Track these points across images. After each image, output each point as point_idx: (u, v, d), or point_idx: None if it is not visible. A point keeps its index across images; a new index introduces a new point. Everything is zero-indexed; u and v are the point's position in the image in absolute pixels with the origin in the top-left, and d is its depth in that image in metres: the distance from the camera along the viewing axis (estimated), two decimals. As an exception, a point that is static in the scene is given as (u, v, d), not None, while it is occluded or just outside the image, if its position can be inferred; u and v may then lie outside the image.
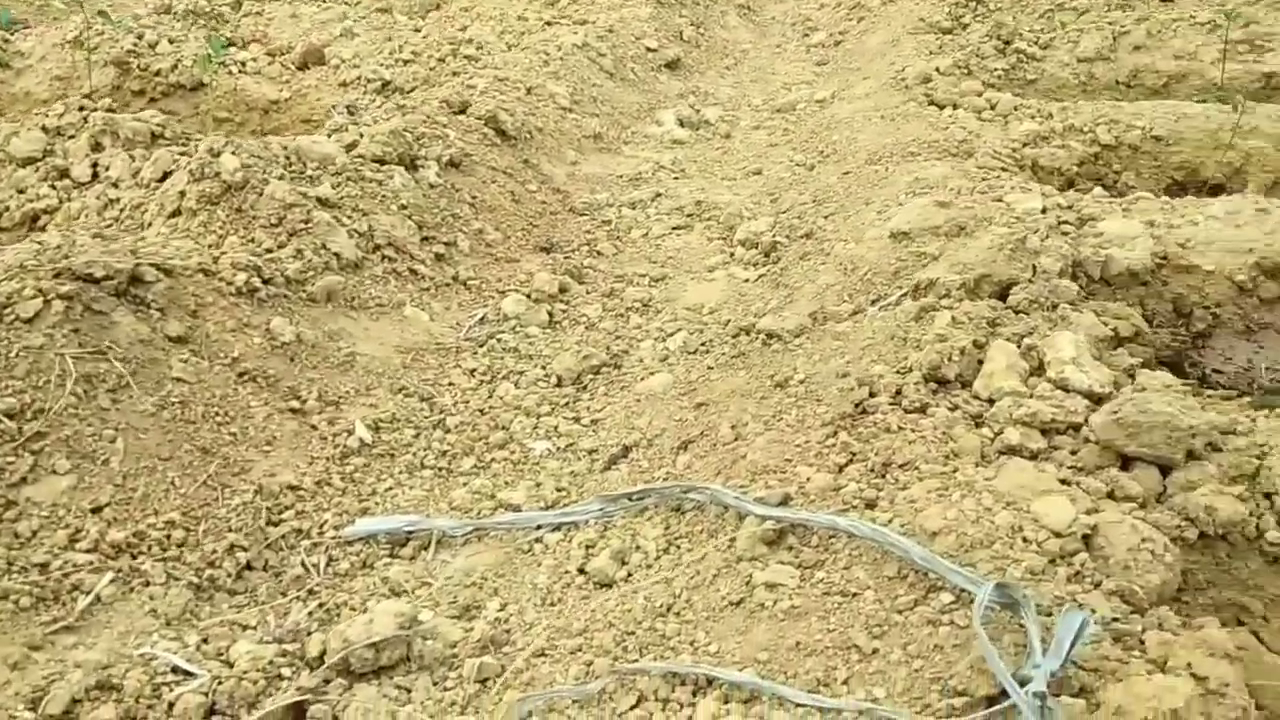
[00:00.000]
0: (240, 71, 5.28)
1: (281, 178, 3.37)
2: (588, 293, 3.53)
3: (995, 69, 4.73)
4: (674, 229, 4.00)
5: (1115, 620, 1.59)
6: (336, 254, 3.19)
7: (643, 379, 2.94)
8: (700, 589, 1.98)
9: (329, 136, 3.79)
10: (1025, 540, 1.75)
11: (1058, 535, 1.73)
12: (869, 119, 4.40)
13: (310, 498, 2.45)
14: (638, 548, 2.20)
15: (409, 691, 1.93)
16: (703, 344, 3.05)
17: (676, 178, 4.53)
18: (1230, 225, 2.88)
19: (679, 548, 2.15)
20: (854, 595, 1.79)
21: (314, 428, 2.65)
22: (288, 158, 3.49)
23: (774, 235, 3.64)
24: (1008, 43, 4.84)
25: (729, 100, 5.65)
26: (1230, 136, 3.64)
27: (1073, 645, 1.43)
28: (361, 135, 3.76)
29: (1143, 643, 1.53)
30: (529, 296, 3.42)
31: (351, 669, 1.95)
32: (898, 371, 2.35)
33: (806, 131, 4.76)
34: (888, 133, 4.10)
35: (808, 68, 6.06)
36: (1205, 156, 3.68)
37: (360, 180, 3.52)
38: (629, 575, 2.13)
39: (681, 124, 5.16)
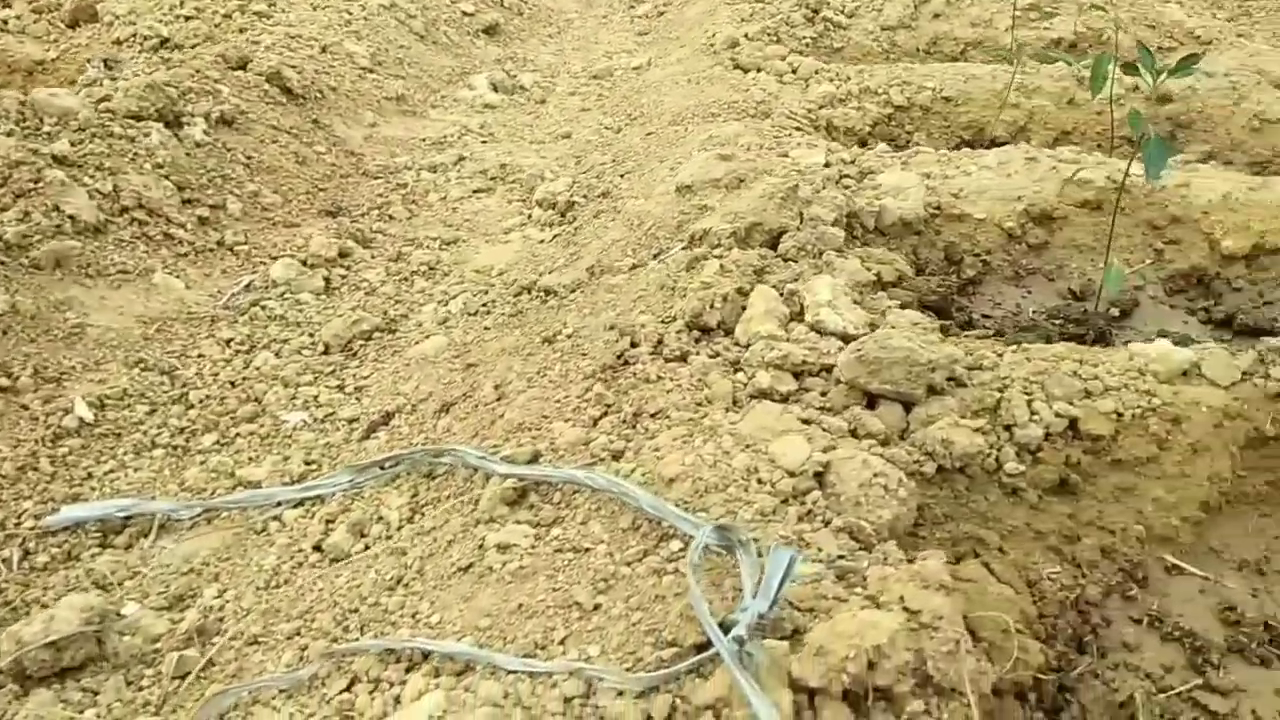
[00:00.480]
0: (2, 29, 4.77)
1: (10, 134, 3.01)
2: (372, 257, 3.31)
3: (804, 37, 4.74)
4: (474, 192, 3.82)
5: (841, 558, 1.52)
6: (72, 216, 2.86)
7: (416, 343, 2.76)
8: (434, 557, 1.82)
9: (79, 92, 3.43)
10: (760, 482, 1.67)
11: (791, 475, 1.66)
12: (676, 83, 4.32)
13: (10, 485, 2.16)
14: (380, 518, 2.02)
15: (96, 694, 1.70)
16: (484, 305, 2.88)
17: (484, 142, 4.34)
18: (1001, 175, 2.92)
19: (423, 515, 1.99)
20: (586, 551, 1.67)
21: (25, 407, 2.34)
22: (21, 112, 3.13)
23: (571, 195, 3.50)
24: (816, 11, 4.85)
25: (548, 67, 5.49)
26: (1011, 95, 3.72)
27: (781, 585, 1.34)
28: (116, 90, 3.41)
29: (865, 579, 1.46)
30: (303, 262, 3.16)
31: (27, 673, 1.70)
32: (662, 321, 2.24)
33: (619, 96, 4.66)
34: (692, 95, 4.03)
35: (630, 37, 5.96)
36: (991, 115, 3.75)
37: (108, 137, 3.18)
38: (366, 548, 1.95)
39: (495, 89, 4.96)
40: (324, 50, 4.45)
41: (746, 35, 4.60)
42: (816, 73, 4.10)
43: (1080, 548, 1.72)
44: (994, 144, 3.72)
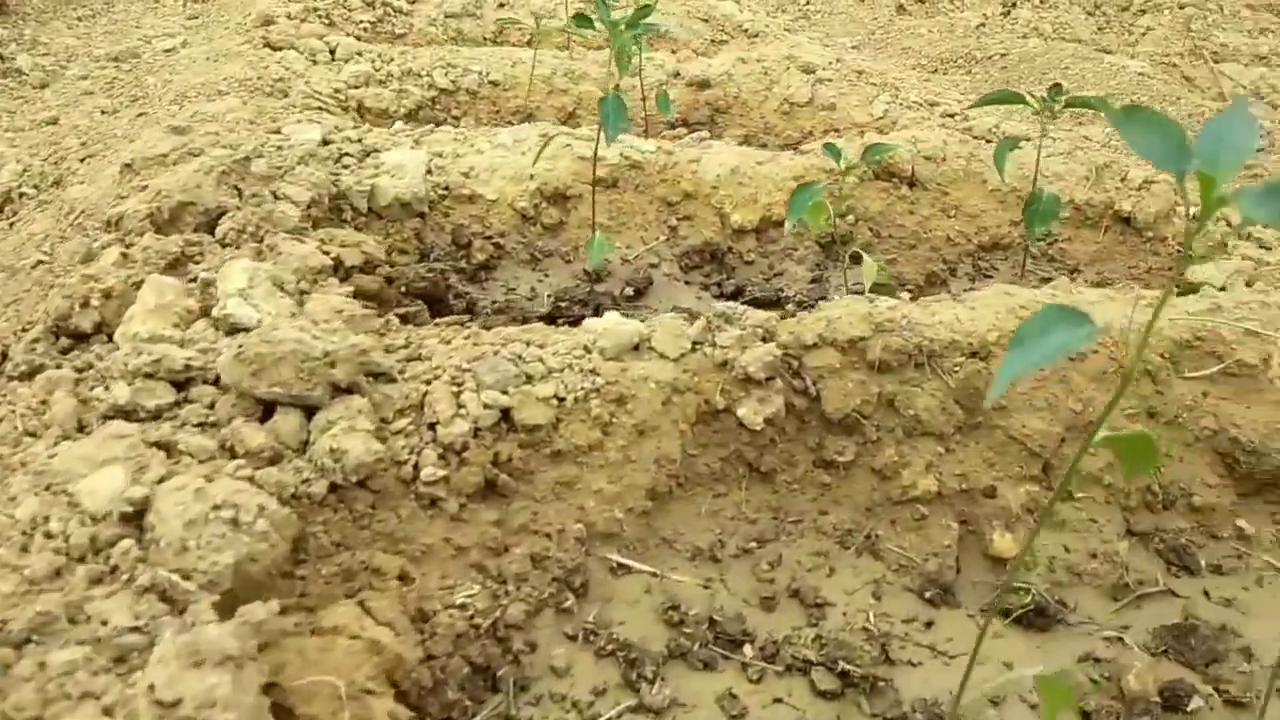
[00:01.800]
0: None
1: None
2: None
3: (362, 21, 4.32)
4: (-99, 190, 2.97)
5: (138, 629, 1.08)
6: None
7: None
8: None
9: None
10: (48, 536, 1.19)
11: (94, 521, 1.20)
12: (195, 62, 3.72)
13: None
14: None
15: None
16: None
17: (-56, 131, 3.46)
18: (516, 153, 2.67)
19: None
20: None
21: None
22: None
23: (21, 185, 2.80)
24: (376, -7, 4.45)
25: (64, 50, 4.61)
26: (560, 80, 3.55)
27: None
28: None
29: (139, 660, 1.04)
30: None
31: None
32: (22, 329, 1.70)
33: (132, 79, 3.95)
34: (204, 73, 3.46)
35: (180, 21, 5.21)
36: (540, 100, 3.55)
37: None
38: None
39: (-24, 72, 4.03)
40: None
41: (288, 14, 4.09)
42: (359, 54, 3.69)
43: (507, 560, 1.44)
44: (543, 129, 3.52)
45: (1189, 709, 1.57)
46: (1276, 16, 4.98)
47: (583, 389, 1.58)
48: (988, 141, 3.07)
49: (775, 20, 4.68)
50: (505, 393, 1.55)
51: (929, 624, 1.69)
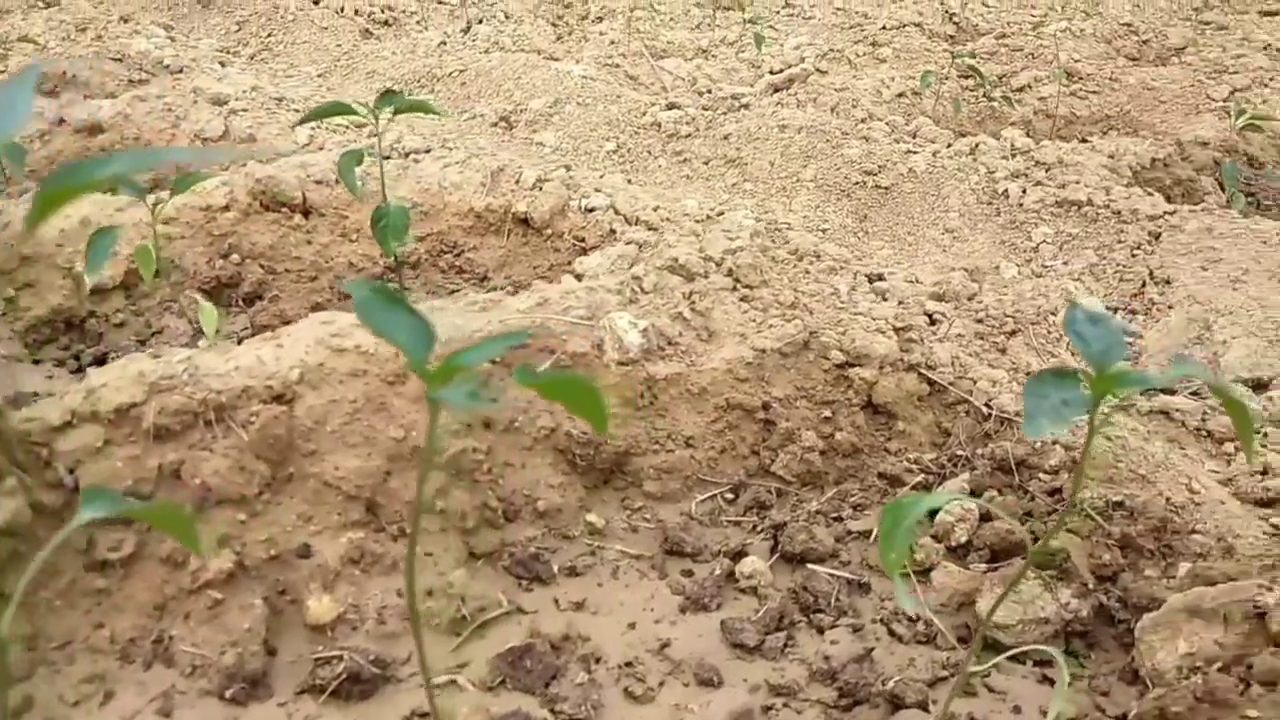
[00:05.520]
0: None
1: None
2: None
3: None
4: None
5: None
6: None
7: None
8: None
9: None
10: None
11: None
12: None
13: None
14: None
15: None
16: None
17: None
18: None
19: None
20: None
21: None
22: None
23: None
24: None
25: None
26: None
27: None
28: None
29: None
30: None
31: None
32: None
33: None
34: None
35: None
36: None
37: None
38: None
39: None
40: None
41: None
42: None
43: None
44: None
45: (511, 743, 1.43)
46: (723, 11, 5.44)
47: None
48: (387, 158, 2.91)
49: (198, 51, 4.27)
50: None
51: (226, 729, 1.42)
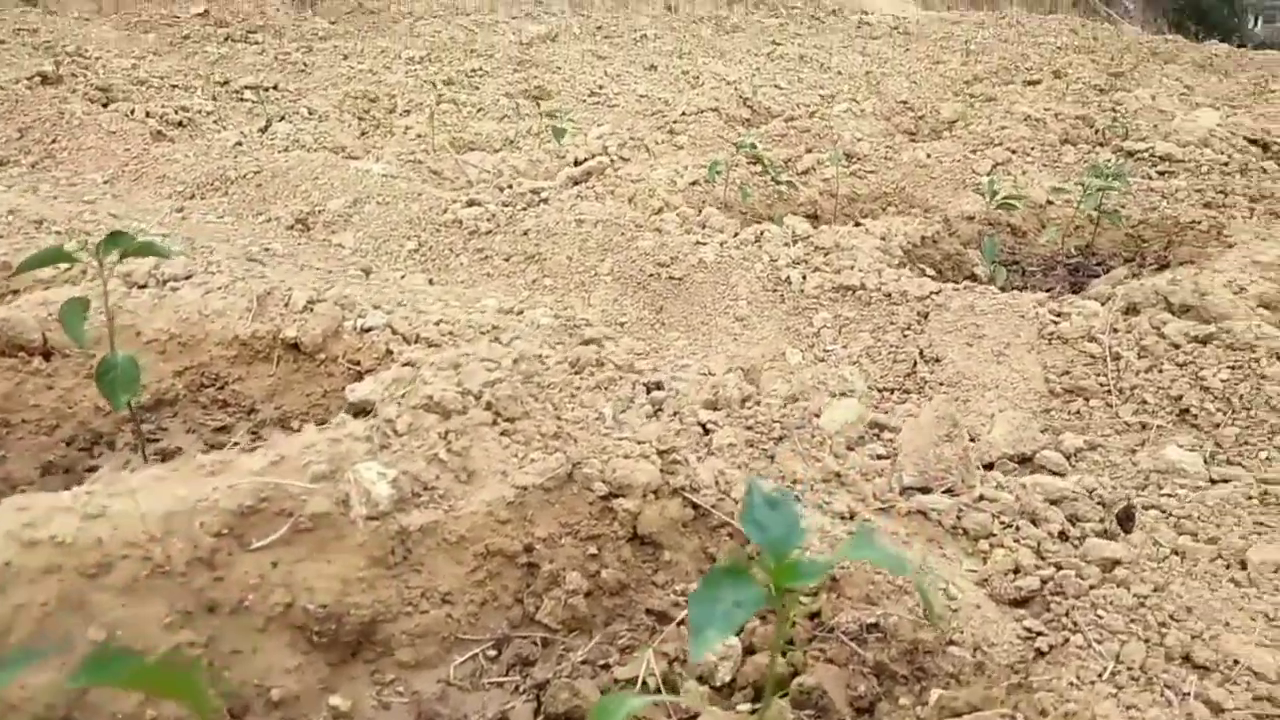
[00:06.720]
0: None
1: None
2: None
3: None
4: None
5: None
6: None
7: None
8: None
9: None
10: None
11: None
12: None
13: None
14: None
15: None
16: None
17: None
18: None
19: None
20: None
21: None
22: None
23: None
24: None
25: None
26: None
27: None
28: None
29: None
30: None
31: None
32: None
33: None
34: None
35: None
36: None
37: None
38: None
39: None
40: None
41: None
42: None
43: None
44: None
45: None
46: (531, 101, 5.44)
47: None
48: (144, 286, 2.72)
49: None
50: None
51: None
